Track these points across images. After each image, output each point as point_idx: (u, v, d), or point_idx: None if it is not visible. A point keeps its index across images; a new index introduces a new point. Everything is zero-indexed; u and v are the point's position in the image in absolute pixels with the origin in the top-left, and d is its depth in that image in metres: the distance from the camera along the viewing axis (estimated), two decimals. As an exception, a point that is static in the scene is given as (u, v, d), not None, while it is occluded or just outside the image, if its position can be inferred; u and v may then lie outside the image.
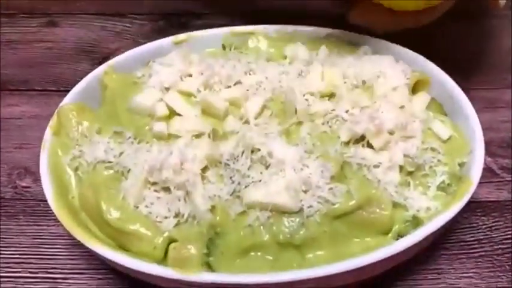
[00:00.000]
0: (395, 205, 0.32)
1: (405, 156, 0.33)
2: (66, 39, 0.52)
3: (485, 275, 0.36)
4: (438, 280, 0.36)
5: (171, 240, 0.31)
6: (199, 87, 0.35)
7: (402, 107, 0.35)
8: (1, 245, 0.38)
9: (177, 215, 0.31)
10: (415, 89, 0.38)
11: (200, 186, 0.31)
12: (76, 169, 0.34)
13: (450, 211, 0.31)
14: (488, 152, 0.38)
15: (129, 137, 0.34)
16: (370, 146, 0.33)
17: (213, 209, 0.31)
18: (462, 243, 0.37)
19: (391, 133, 0.33)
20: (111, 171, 0.33)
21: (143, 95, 0.35)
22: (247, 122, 0.34)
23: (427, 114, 0.35)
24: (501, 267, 0.36)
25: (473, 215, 0.39)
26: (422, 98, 0.36)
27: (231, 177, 0.31)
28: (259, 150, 0.32)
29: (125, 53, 0.40)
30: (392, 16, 0.37)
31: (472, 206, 0.39)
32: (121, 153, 0.33)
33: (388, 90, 0.35)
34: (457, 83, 0.38)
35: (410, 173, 0.33)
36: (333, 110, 0.34)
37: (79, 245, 0.31)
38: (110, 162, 0.33)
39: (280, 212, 0.30)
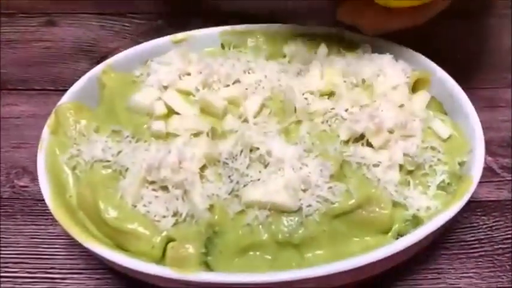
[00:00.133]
0: (395, 204, 0.32)
1: (405, 155, 0.32)
2: (65, 38, 0.52)
3: (486, 275, 0.36)
4: (438, 280, 0.36)
5: (169, 240, 0.31)
6: (198, 86, 0.35)
7: (402, 105, 0.35)
8: (-1, 244, 0.38)
9: (175, 214, 0.31)
10: (415, 87, 0.38)
11: (198, 185, 0.31)
12: (74, 168, 0.34)
13: (450, 210, 0.31)
14: (489, 151, 0.38)
15: (127, 136, 0.34)
16: (369, 144, 0.33)
17: (211, 208, 0.30)
18: (462, 243, 0.37)
19: (390, 132, 0.33)
20: (109, 170, 0.33)
21: (141, 94, 0.35)
22: (246, 120, 0.34)
23: (427, 113, 0.35)
24: (501, 267, 0.36)
25: (474, 214, 0.39)
26: (422, 97, 0.36)
27: (229, 176, 0.31)
28: (258, 149, 0.32)
29: (123, 52, 0.40)
30: (385, 15, 0.36)
31: (472, 206, 0.39)
32: (119, 152, 0.33)
33: (387, 89, 0.35)
34: (457, 82, 0.38)
35: (410, 172, 0.33)
36: (333, 108, 0.34)
37: (77, 244, 0.31)
38: (107, 161, 0.33)
39: (279, 211, 0.30)
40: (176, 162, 0.31)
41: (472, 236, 0.38)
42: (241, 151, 0.32)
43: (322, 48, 0.38)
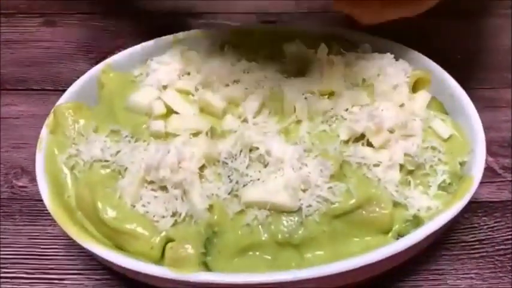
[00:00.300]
0: (396, 204, 0.31)
1: (405, 155, 0.32)
2: (64, 38, 0.52)
3: (487, 276, 0.35)
4: (439, 281, 0.35)
5: (168, 240, 0.30)
6: (197, 85, 0.35)
7: (402, 105, 0.35)
8: (-3, 245, 0.37)
9: (174, 214, 0.31)
10: (415, 87, 0.37)
11: (198, 185, 0.31)
12: (72, 168, 0.34)
13: (451, 210, 0.31)
14: (490, 151, 0.38)
15: (126, 136, 0.34)
16: (370, 144, 0.33)
17: (210, 208, 0.30)
18: (463, 244, 0.37)
19: (391, 132, 0.33)
20: (108, 170, 0.33)
21: (140, 94, 0.35)
22: (245, 120, 0.34)
23: (427, 113, 0.35)
24: (503, 268, 0.36)
25: (475, 215, 0.38)
26: (422, 97, 0.36)
27: (229, 176, 0.31)
28: (257, 148, 0.31)
29: (122, 52, 0.40)
30: (381, 4, 0.35)
31: (473, 206, 0.39)
32: (118, 152, 0.33)
33: (388, 88, 0.35)
34: (457, 82, 0.37)
35: (410, 172, 0.33)
36: (332, 108, 0.34)
37: (76, 245, 0.31)
38: (106, 161, 0.33)
39: (279, 211, 0.30)
40: (175, 162, 0.31)
41: (473, 237, 0.37)
42: (241, 151, 0.31)
43: (322, 48, 0.38)
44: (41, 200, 0.32)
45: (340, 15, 0.42)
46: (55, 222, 0.31)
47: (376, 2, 0.35)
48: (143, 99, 0.34)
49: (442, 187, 0.33)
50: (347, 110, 0.34)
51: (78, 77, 0.38)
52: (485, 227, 0.38)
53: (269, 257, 0.30)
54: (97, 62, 0.40)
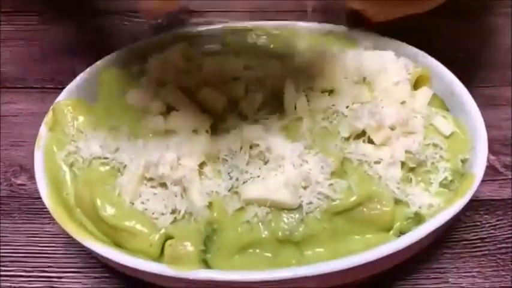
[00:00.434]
0: (397, 202, 0.31)
1: (407, 152, 0.32)
2: (63, 36, 0.52)
3: (489, 274, 0.35)
4: (441, 279, 0.35)
5: (168, 237, 0.30)
6: (198, 82, 0.35)
7: (403, 102, 0.34)
8: (-4, 243, 0.37)
9: (173, 212, 0.30)
10: (416, 84, 0.37)
11: (197, 182, 0.30)
12: (71, 165, 0.33)
13: (453, 208, 0.30)
14: (491, 150, 0.38)
15: (126, 133, 0.33)
16: (371, 141, 0.32)
17: (210, 205, 0.30)
18: (465, 242, 0.37)
19: (392, 129, 0.32)
20: (107, 167, 0.32)
21: (140, 90, 0.34)
22: (245, 117, 0.33)
23: (429, 110, 0.34)
24: (505, 266, 0.36)
25: (476, 213, 0.38)
26: (424, 93, 0.35)
27: (229, 173, 0.31)
28: (257, 145, 0.31)
29: (122, 49, 0.40)
30: (390, 2, 0.35)
31: (475, 205, 0.38)
32: (117, 149, 0.33)
33: (389, 85, 0.35)
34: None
35: (412, 169, 0.32)
36: (333, 105, 0.34)
37: (75, 243, 0.31)
38: (105, 158, 0.32)
39: (279, 208, 0.30)
40: (175, 159, 0.30)
41: (475, 235, 0.37)
42: (241, 148, 0.31)
43: (323, 45, 0.38)
44: (40, 198, 0.32)
45: (341, 12, 0.42)
46: (54, 220, 0.31)
47: (389, 1, 0.35)
48: (143, 96, 0.34)
49: (443, 184, 0.32)
50: (348, 107, 0.34)
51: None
52: (487, 225, 0.38)
53: (269, 255, 0.30)
54: (96, 60, 0.40)
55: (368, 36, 0.40)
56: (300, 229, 0.30)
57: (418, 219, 0.31)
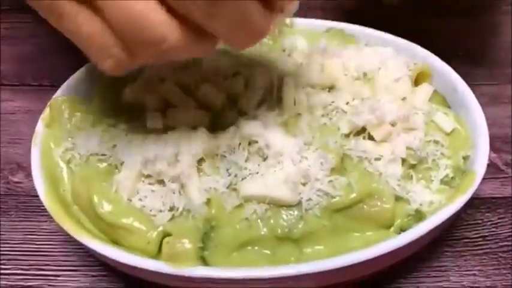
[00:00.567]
0: (398, 199, 0.31)
1: (407, 148, 0.32)
2: (61, 34, 0.51)
3: (490, 273, 0.35)
4: (442, 278, 0.35)
5: (165, 235, 0.30)
6: (196, 78, 0.34)
7: (404, 98, 0.34)
8: (-8, 241, 0.37)
9: (171, 209, 0.30)
10: (417, 81, 0.37)
11: (196, 178, 0.30)
12: (68, 162, 0.33)
13: (454, 205, 0.30)
14: (492, 147, 0.38)
15: (123, 129, 0.33)
16: (371, 138, 0.32)
17: (208, 202, 0.30)
18: (466, 240, 0.37)
19: (393, 125, 0.32)
20: (105, 164, 0.32)
21: (138, 86, 0.34)
22: (244, 113, 0.33)
23: (429, 106, 0.34)
24: (506, 264, 0.35)
25: (478, 211, 0.38)
26: (425, 90, 0.35)
27: (227, 170, 0.30)
28: (256, 142, 0.31)
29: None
30: None
31: (477, 203, 0.38)
32: (114, 146, 0.32)
33: (389, 81, 0.35)
34: (459, 78, 0.37)
35: (412, 166, 0.32)
36: (333, 101, 0.34)
37: (72, 241, 0.31)
38: (103, 154, 0.32)
39: (278, 205, 0.30)
40: (173, 155, 0.30)
41: (476, 233, 0.37)
42: (240, 144, 0.31)
43: (323, 41, 0.38)
44: (37, 196, 0.32)
45: (341, 9, 0.41)
46: (51, 218, 0.31)
47: None
48: (141, 92, 0.34)
49: (444, 181, 0.32)
50: (348, 103, 0.33)
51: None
52: (489, 223, 0.37)
53: (268, 252, 0.29)
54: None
55: (368, 33, 0.40)
56: (299, 226, 0.29)
57: (418, 216, 0.31)
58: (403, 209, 0.31)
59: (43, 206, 0.31)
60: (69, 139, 0.34)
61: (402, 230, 0.30)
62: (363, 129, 0.32)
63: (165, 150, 0.30)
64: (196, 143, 0.31)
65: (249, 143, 0.31)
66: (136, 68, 0.26)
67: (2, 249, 0.36)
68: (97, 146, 0.32)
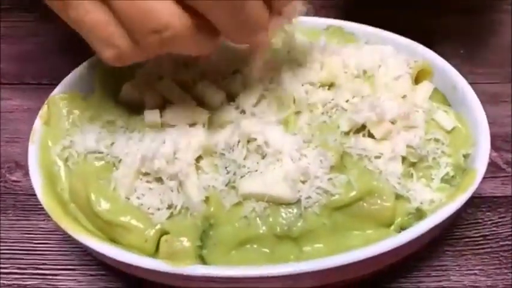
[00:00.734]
0: (398, 197, 0.31)
1: (408, 146, 0.31)
2: (59, 32, 0.51)
3: (491, 272, 0.35)
4: (442, 277, 0.35)
5: (163, 233, 0.30)
6: (195, 76, 0.34)
7: (404, 96, 0.34)
8: (-10, 240, 0.37)
9: (169, 207, 0.30)
10: (417, 80, 0.37)
11: (194, 176, 0.30)
12: (66, 160, 0.33)
13: (455, 203, 0.30)
14: (493, 146, 0.37)
15: (122, 127, 0.33)
16: (371, 136, 0.32)
17: (207, 200, 0.29)
18: (467, 240, 0.36)
19: (393, 123, 0.32)
20: (102, 162, 0.32)
21: (136, 83, 0.34)
22: (243, 111, 0.33)
23: (430, 104, 0.34)
24: (507, 264, 0.35)
25: (479, 210, 0.38)
26: (425, 88, 0.35)
27: (226, 167, 0.30)
28: (255, 139, 0.30)
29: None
30: None
31: (477, 202, 0.38)
32: (112, 143, 0.32)
33: (389, 79, 0.34)
34: (459, 77, 0.37)
35: (413, 164, 0.32)
36: (333, 99, 0.33)
37: (70, 240, 0.30)
38: (101, 152, 0.32)
39: (277, 203, 0.29)
40: (171, 152, 0.30)
41: (477, 233, 0.37)
42: (238, 142, 0.31)
43: (322, 39, 0.38)
44: (35, 195, 0.31)
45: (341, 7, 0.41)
46: (48, 217, 0.31)
47: None
48: (139, 89, 0.33)
49: (445, 180, 0.32)
50: (347, 101, 0.33)
51: (74, 70, 0.38)
52: (490, 222, 0.37)
53: (267, 250, 0.29)
54: (92, 54, 0.40)
55: (368, 31, 0.39)
56: (299, 224, 0.29)
57: (419, 214, 0.30)
58: (404, 208, 0.31)
59: (41, 204, 0.31)
60: (67, 137, 0.33)
61: (402, 228, 0.30)
62: (363, 127, 0.32)
63: (163, 147, 0.30)
64: (195, 141, 0.30)
65: (248, 141, 0.31)
66: (139, 60, 0.26)
67: (-1, 247, 0.36)
68: (95, 143, 0.32)
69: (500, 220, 0.37)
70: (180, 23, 0.24)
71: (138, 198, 0.30)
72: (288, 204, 0.29)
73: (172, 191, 0.30)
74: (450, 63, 0.38)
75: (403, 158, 0.32)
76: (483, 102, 0.35)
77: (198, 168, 0.30)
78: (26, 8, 0.54)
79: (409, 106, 0.33)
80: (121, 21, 0.24)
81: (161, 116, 0.32)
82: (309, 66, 0.35)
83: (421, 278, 0.35)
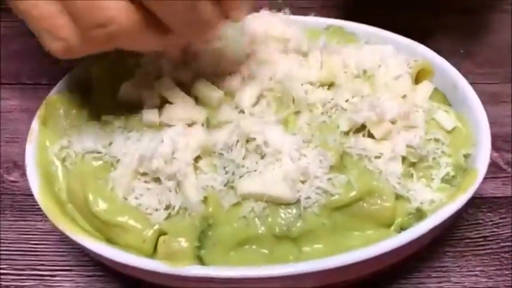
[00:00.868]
0: (398, 197, 0.30)
1: (408, 146, 0.31)
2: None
3: (492, 273, 0.34)
4: (443, 278, 0.34)
5: (161, 233, 0.29)
6: (194, 75, 0.34)
7: (404, 96, 0.34)
8: (-13, 240, 0.36)
9: (168, 207, 0.30)
10: (417, 79, 0.36)
11: (192, 176, 0.30)
12: (63, 160, 0.33)
13: (455, 203, 0.30)
14: (494, 146, 0.37)
15: (119, 126, 0.32)
16: (371, 136, 0.32)
17: (205, 200, 0.29)
18: (467, 241, 0.36)
19: (393, 122, 0.32)
20: (100, 162, 0.31)
21: (134, 83, 0.34)
22: (242, 111, 0.33)
23: (430, 104, 0.34)
24: (508, 265, 0.35)
25: (479, 211, 0.38)
26: (425, 87, 0.35)
27: (224, 167, 0.30)
28: (254, 139, 0.30)
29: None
30: None
31: (478, 202, 0.38)
32: (110, 143, 0.32)
33: (389, 79, 0.34)
34: (459, 77, 0.37)
35: (413, 164, 0.32)
36: (332, 99, 0.33)
37: (67, 240, 0.30)
38: (98, 152, 0.32)
39: (277, 203, 0.29)
40: (169, 152, 0.29)
41: (478, 233, 0.37)
42: (237, 141, 0.30)
43: (322, 39, 0.37)
44: (32, 195, 0.31)
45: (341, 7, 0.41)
46: (46, 217, 0.30)
47: None
48: (137, 89, 0.33)
49: (445, 180, 0.32)
50: (347, 100, 0.33)
51: (73, 71, 0.38)
52: (490, 223, 0.37)
53: (266, 251, 0.29)
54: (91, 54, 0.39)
55: (368, 31, 0.39)
56: (298, 225, 0.29)
57: (419, 215, 0.30)
58: (404, 208, 0.30)
59: (38, 205, 0.31)
60: (65, 137, 0.33)
61: (402, 228, 0.30)
62: (363, 127, 0.32)
63: (161, 147, 0.30)
64: (193, 141, 0.30)
65: (247, 141, 0.30)
66: (88, 53, 0.26)
67: (-3, 248, 0.36)
68: (92, 143, 0.32)
69: (501, 221, 0.37)
70: (127, 18, 0.24)
71: (136, 198, 0.30)
72: (287, 204, 0.29)
73: (170, 191, 0.30)
74: (450, 62, 0.38)
75: (403, 158, 0.31)
76: (483, 102, 0.35)
77: (196, 168, 0.30)
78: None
79: (409, 106, 0.33)
80: (70, 14, 0.24)
81: (159, 116, 0.32)
82: (308, 65, 0.35)
83: (422, 279, 0.34)
